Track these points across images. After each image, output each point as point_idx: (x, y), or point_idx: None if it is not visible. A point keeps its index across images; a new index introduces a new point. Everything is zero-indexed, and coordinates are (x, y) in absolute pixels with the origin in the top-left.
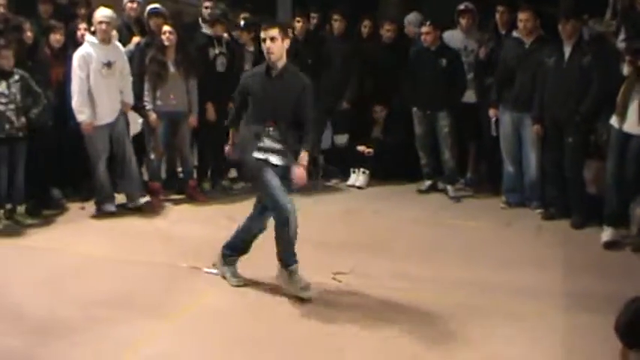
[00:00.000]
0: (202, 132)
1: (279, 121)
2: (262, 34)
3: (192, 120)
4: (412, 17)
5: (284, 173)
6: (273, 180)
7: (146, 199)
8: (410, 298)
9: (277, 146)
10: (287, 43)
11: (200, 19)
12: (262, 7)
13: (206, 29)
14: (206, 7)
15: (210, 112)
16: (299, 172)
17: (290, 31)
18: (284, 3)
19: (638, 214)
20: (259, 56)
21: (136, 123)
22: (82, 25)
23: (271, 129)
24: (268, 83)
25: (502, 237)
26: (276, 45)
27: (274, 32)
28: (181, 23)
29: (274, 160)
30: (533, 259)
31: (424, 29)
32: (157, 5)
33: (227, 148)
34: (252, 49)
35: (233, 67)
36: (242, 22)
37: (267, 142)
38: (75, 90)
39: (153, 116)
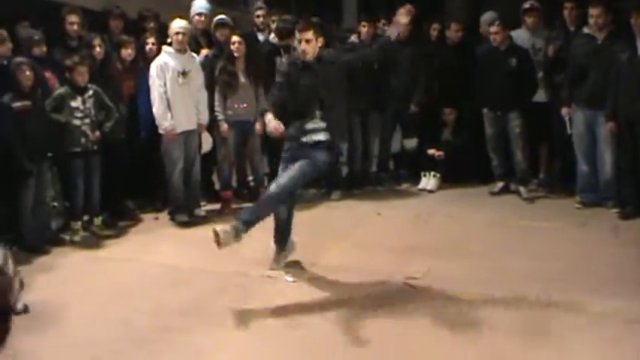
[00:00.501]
0: (272, 139)
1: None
2: (298, 36)
3: (260, 126)
4: (487, 17)
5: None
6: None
7: (203, 212)
8: (485, 300)
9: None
10: (320, 41)
11: (268, 31)
12: (328, 13)
13: (273, 39)
14: (257, 16)
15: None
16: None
17: (356, 35)
18: (350, 8)
19: None
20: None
21: (207, 142)
22: (151, 40)
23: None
24: (306, 76)
25: (578, 237)
26: (311, 46)
27: (309, 34)
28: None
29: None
30: (611, 258)
31: (493, 29)
32: (223, 16)
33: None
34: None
35: None
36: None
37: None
38: (155, 98)
39: (224, 126)
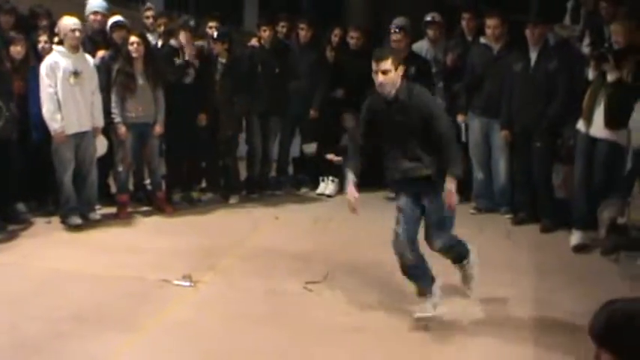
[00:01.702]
0: (172, 143)
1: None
2: (374, 67)
3: (159, 129)
4: (398, 22)
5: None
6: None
7: (98, 215)
8: (383, 306)
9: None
10: (401, 70)
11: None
12: (229, 16)
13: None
14: (147, 17)
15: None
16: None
17: (256, 39)
18: (251, 11)
19: (606, 218)
20: (231, 67)
21: (102, 145)
22: (43, 38)
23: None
24: (387, 111)
25: (473, 242)
26: (389, 77)
27: (387, 65)
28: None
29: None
30: (503, 263)
31: (394, 37)
32: (119, 17)
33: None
34: (224, 60)
35: (202, 77)
36: (215, 33)
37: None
38: (44, 99)
39: (122, 129)
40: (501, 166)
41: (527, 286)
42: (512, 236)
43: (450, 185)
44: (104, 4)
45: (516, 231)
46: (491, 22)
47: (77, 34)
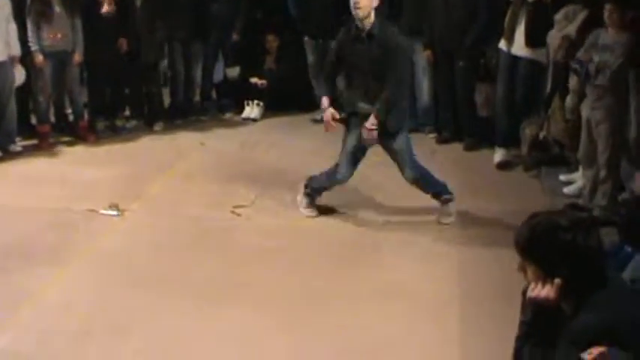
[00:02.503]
0: (93, 70)
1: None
2: None
3: (78, 57)
4: None
5: None
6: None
7: (19, 147)
8: (308, 226)
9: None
10: (376, 1)
11: None
12: None
13: None
14: None
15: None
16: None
17: None
18: None
19: (528, 135)
20: None
21: (20, 74)
22: None
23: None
24: (363, 48)
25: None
26: (364, 2)
27: None
28: None
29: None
30: None
31: None
32: None
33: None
34: None
35: (120, 3)
36: None
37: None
38: None
39: (40, 57)
40: (425, 86)
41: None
42: (436, 155)
43: (373, 121)
44: None
45: (440, 150)
46: None
47: None
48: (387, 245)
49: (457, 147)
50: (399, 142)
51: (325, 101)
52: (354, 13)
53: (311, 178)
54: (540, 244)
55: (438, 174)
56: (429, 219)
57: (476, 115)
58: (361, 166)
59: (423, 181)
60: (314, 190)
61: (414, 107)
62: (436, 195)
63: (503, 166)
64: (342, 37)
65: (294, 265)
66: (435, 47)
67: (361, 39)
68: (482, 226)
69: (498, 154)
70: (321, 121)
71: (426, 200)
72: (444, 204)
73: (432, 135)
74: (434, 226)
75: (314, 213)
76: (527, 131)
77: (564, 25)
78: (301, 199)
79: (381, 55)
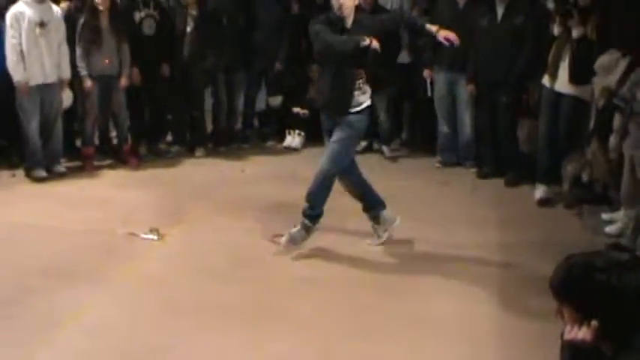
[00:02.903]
0: (137, 95)
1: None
2: None
3: (124, 81)
4: None
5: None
6: None
7: (63, 168)
8: (350, 253)
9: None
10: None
11: None
12: None
13: None
14: None
15: (136, 75)
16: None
17: None
18: None
19: (570, 172)
20: (203, 20)
21: (68, 98)
22: None
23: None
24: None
25: (438, 196)
26: (348, 1)
27: None
28: None
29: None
30: (469, 216)
31: None
32: None
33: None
34: (194, 12)
35: (164, 29)
36: None
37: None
38: (8, 50)
39: (88, 82)
40: (466, 120)
41: (491, 240)
42: (477, 190)
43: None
44: None
45: (481, 185)
46: None
47: None
48: (426, 277)
49: (498, 182)
50: (342, 131)
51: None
52: (337, 12)
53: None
54: (575, 285)
55: (478, 209)
56: (468, 253)
57: (517, 151)
58: (400, 199)
59: (326, 181)
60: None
61: (455, 141)
62: (310, 202)
63: (544, 202)
64: (324, 20)
65: (332, 294)
66: (478, 81)
67: (338, 30)
68: (521, 264)
69: (539, 191)
70: (362, 152)
71: (466, 234)
72: (305, 213)
73: (472, 169)
74: (474, 261)
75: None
76: (569, 168)
77: (605, 75)
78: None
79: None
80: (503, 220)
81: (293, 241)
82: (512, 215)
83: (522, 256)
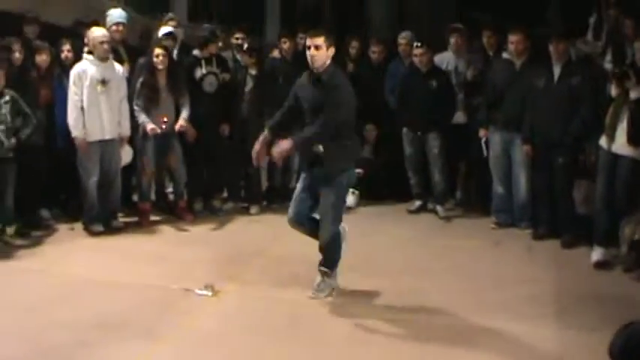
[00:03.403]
0: (195, 152)
1: None
2: (308, 42)
3: (182, 122)
4: (406, 35)
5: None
6: None
7: (120, 223)
8: (402, 317)
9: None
10: (332, 51)
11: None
12: (251, 28)
13: (196, 51)
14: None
15: (191, 133)
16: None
17: (277, 51)
18: (273, 23)
19: (628, 234)
20: (262, 80)
21: (127, 154)
22: (66, 47)
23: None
24: (311, 89)
25: (493, 257)
26: (320, 53)
27: (319, 41)
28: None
29: None
30: (524, 278)
31: (417, 51)
32: (170, 28)
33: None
34: (254, 72)
35: (226, 86)
36: (245, 45)
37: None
38: (70, 106)
39: (150, 125)
40: (522, 180)
41: (547, 303)
42: (532, 251)
43: (286, 143)
44: (125, 14)
45: (537, 246)
46: (513, 38)
47: (106, 46)
48: (481, 335)
49: (554, 243)
50: (333, 193)
51: (266, 132)
52: (310, 65)
53: None
54: (634, 354)
55: (533, 271)
56: (522, 310)
57: (574, 212)
58: (455, 259)
59: (334, 242)
60: None
61: (510, 202)
62: (327, 263)
63: (601, 265)
64: (300, 80)
65: (385, 355)
66: (535, 142)
67: (312, 82)
68: (578, 329)
69: (596, 253)
70: (416, 211)
71: (521, 294)
72: (323, 276)
73: (528, 230)
74: (529, 320)
75: None
76: (627, 230)
77: None
78: None
79: (321, 94)
80: (558, 282)
81: (322, 292)
82: (569, 278)
83: (578, 321)
